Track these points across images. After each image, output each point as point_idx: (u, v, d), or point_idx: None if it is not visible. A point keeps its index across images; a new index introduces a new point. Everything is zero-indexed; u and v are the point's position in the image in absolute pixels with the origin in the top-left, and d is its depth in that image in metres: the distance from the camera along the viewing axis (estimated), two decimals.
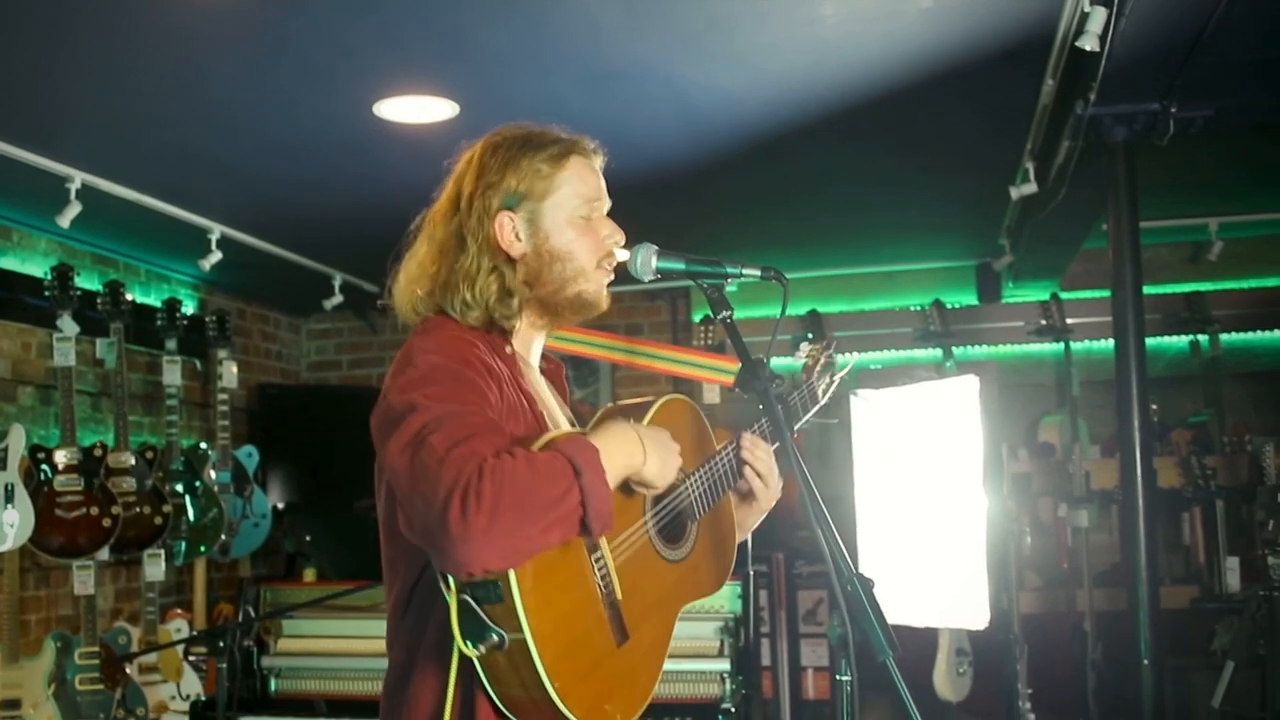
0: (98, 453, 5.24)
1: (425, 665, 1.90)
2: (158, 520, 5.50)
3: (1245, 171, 5.67)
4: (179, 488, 5.81)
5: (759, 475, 2.18)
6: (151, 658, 5.41)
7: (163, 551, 5.60)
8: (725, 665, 3.94)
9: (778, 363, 2.24)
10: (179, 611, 5.87)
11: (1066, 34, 3.68)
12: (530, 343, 2.11)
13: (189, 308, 6.36)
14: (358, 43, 3.76)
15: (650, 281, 2.10)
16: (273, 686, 4.25)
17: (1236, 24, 3.51)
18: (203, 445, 6.15)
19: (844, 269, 7.19)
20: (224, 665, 4.05)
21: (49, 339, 5.28)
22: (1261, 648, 4.47)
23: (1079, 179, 4.64)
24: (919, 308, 6.84)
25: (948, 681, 5.15)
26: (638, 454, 1.92)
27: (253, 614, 4.28)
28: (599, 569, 1.91)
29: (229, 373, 6.30)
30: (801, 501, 1.87)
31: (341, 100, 4.24)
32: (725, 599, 4.05)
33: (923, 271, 7.23)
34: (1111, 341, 4.43)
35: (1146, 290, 4.47)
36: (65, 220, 4.80)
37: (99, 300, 5.49)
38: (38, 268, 5.41)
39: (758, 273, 2.04)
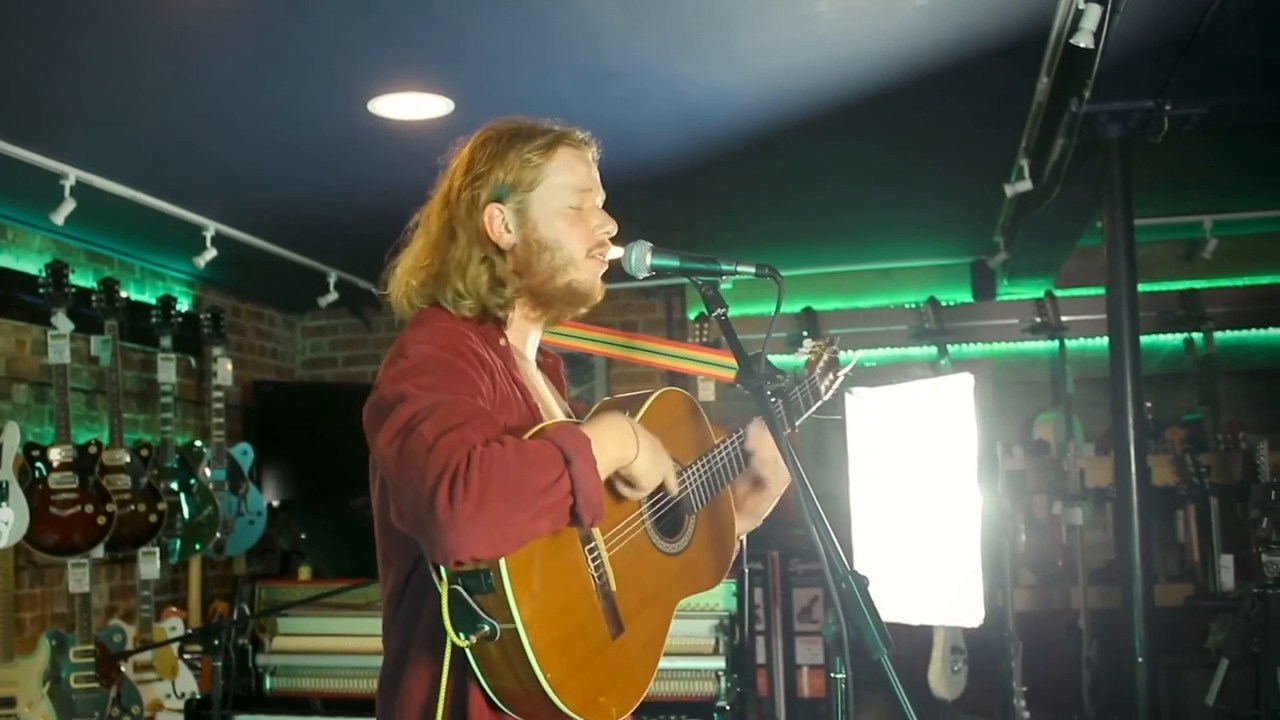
0: (92, 450, 5.23)
1: (418, 658, 1.90)
2: (152, 518, 5.49)
3: (1240, 169, 5.67)
4: (174, 485, 5.81)
5: (766, 463, 2.20)
6: (146, 656, 5.40)
7: (158, 549, 5.59)
8: (720, 663, 3.95)
9: (777, 360, 2.24)
10: (174, 609, 5.86)
11: (1061, 31, 3.68)
12: (525, 336, 2.12)
13: (184, 305, 6.35)
14: (353, 40, 3.76)
15: (645, 279, 2.10)
16: (268, 684, 4.26)
17: (1231, 22, 3.51)
18: (198, 443, 6.14)
19: (839, 266, 7.20)
20: (219, 663, 4.05)
21: (43, 336, 5.27)
22: (1256, 645, 4.48)
23: (1074, 176, 4.65)
24: (914, 305, 6.85)
25: (943, 679, 5.16)
26: (630, 446, 1.91)
27: (248, 612, 4.28)
28: (593, 560, 1.90)
29: (224, 370, 6.29)
30: (796, 499, 1.87)
31: (337, 98, 4.24)
32: (720, 597, 4.05)
33: (918, 269, 7.24)
34: (1106, 339, 4.43)
35: (1141, 288, 4.48)
36: (60, 217, 4.79)
37: (94, 297, 5.48)
38: (32, 265, 5.41)
39: (752, 270, 2.04)
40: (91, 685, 5.03)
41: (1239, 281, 6.82)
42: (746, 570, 4.11)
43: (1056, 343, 6.37)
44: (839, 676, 1.84)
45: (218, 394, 6.21)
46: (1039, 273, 6.78)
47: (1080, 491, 6.00)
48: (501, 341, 2.03)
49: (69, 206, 4.76)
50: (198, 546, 5.92)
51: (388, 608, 1.98)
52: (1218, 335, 6.67)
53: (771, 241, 6.57)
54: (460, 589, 1.74)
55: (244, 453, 6.35)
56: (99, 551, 5.22)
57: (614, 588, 1.93)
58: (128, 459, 5.43)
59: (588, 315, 2.24)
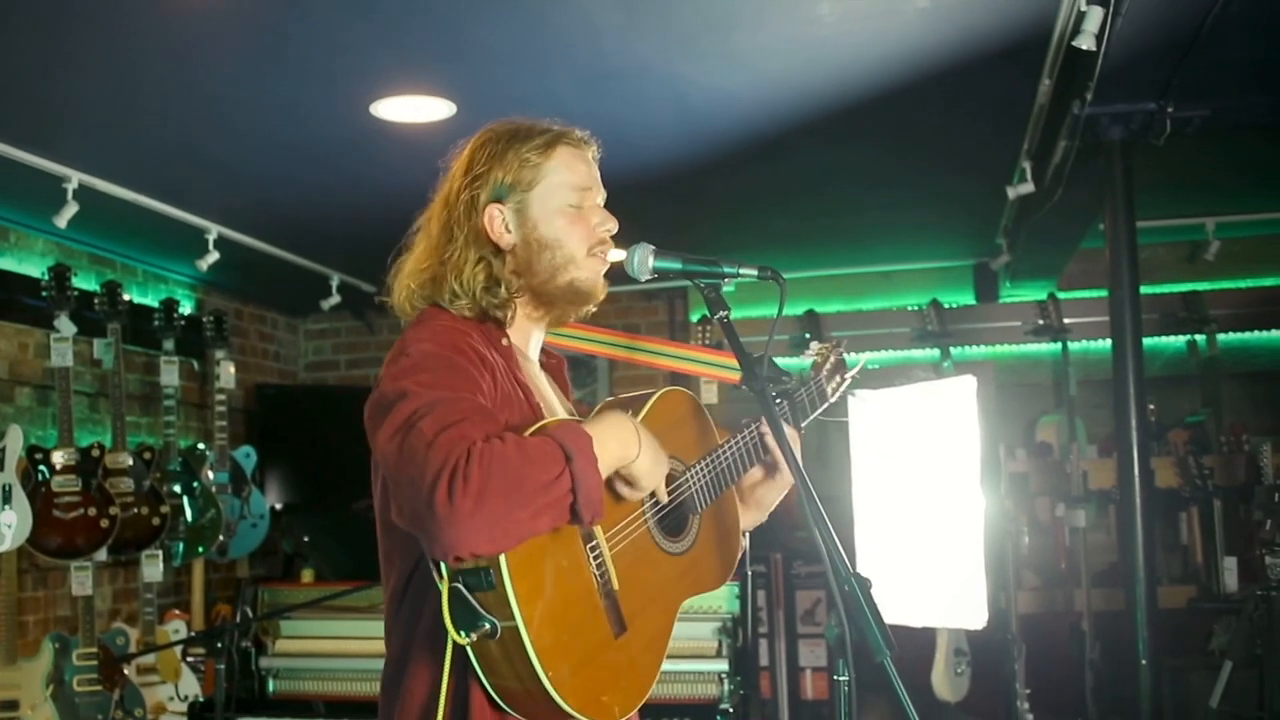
0: (95, 453, 5.23)
1: (419, 657, 1.90)
2: (155, 521, 5.49)
3: (1242, 171, 5.67)
4: (177, 488, 5.81)
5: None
6: (149, 659, 5.40)
7: (160, 552, 5.60)
8: (723, 666, 3.95)
9: (782, 363, 2.24)
10: (177, 612, 5.86)
11: (1063, 34, 3.68)
12: (528, 336, 2.11)
13: (186, 308, 6.35)
14: (355, 42, 3.76)
15: (647, 281, 2.10)
16: (270, 687, 4.26)
17: (1233, 24, 3.51)
18: (200, 446, 6.14)
19: (841, 269, 7.19)
20: (222, 666, 4.05)
21: (46, 339, 5.28)
22: (1259, 647, 4.47)
23: (1076, 179, 4.64)
24: (916, 308, 6.85)
25: (946, 681, 5.16)
26: (632, 445, 1.91)
27: (250, 615, 4.28)
28: (594, 559, 1.90)
29: (226, 373, 6.29)
30: (799, 501, 1.87)
31: (338, 100, 4.24)
32: (723, 599, 4.05)
33: (920, 271, 7.23)
34: (1109, 341, 4.43)
35: (1144, 290, 4.47)
36: (62, 220, 4.79)
37: (96, 300, 5.49)
38: (35, 268, 5.41)
39: (755, 272, 2.04)
40: (94, 688, 5.03)
41: (1241, 283, 6.82)
42: (749, 573, 4.11)
43: (1059, 345, 6.37)
44: (842, 679, 1.84)
45: (220, 397, 6.22)
46: (1041, 275, 6.77)
47: (1083, 493, 6.00)
48: (504, 341, 2.03)
49: (71, 209, 4.76)
50: (200, 549, 5.92)
51: (390, 608, 1.97)
52: (1220, 337, 6.66)
53: (773, 244, 6.57)
54: (460, 587, 1.74)
55: (247, 456, 6.35)
56: (102, 554, 5.22)
57: (616, 586, 1.92)
58: (130, 462, 5.43)
59: (590, 317, 2.24)
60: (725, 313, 2.03)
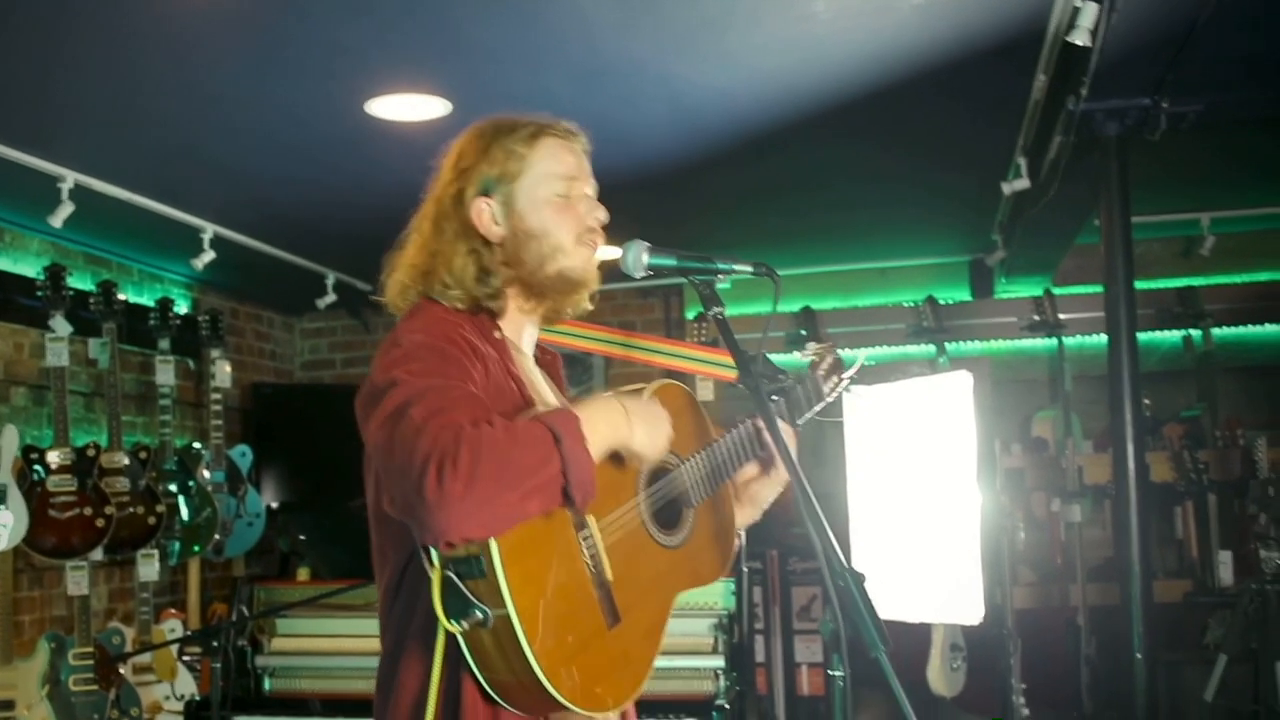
0: (91, 453, 5.23)
1: (412, 651, 1.90)
2: (151, 520, 5.49)
3: (1237, 166, 5.67)
4: (172, 487, 5.81)
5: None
6: (146, 658, 5.40)
7: (156, 551, 5.59)
8: (719, 662, 3.95)
9: (779, 361, 2.24)
10: (173, 611, 5.86)
11: (1058, 29, 3.69)
12: (521, 329, 2.12)
13: (182, 307, 6.35)
14: (350, 41, 3.76)
15: (642, 278, 2.10)
16: (267, 686, 4.26)
17: (1227, 18, 3.52)
18: (196, 445, 6.13)
19: (837, 265, 7.20)
20: (218, 665, 4.05)
21: (42, 339, 5.27)
22: (1254, 641, 4.49)
23: (1071, 174, 4.65)
24: (912, 304, 6.85)
25: (942, 677, 5.16)
26: (622, 424, 1.92)
27: (246, 613, 4.28)
28: (588, 548, 1.90)
29: (222, 372, 6.29)
30: (795, 498, 1.87)
31: (334, 99, 4.24)
32: (719, 595, 4.05)
33: (916, 268, 7.24)
34: (1104, 336, 4.44)
35: (1139, 285, 4.48)
36: (58, 220, 4.79)
37: (92, 300, 5.48)
38: (30, 268, 5.40)
39: (749, 268, 2.04)
40: (91, 687, 5.03)
41: (1237, 278, 6.83)
42: (745, 569, 4.12)
43: (1055, 340, 6.37)
44: (837, 674, 1.84)
45: (216, 396, 6.21)
46: (1037, 271, 6.78)
47: (1079, 489, 6.00)
48: (496, 334, 2.03)
49: (67, 209, 4.76)
50: (196, 548, 5.92)
51: (383, 604, 1.97)
52: (1216, 332, 6.67)
53: (769, 241, 6.58)
54: (452, 575, 1.74)
55: (243, 455, 6.34)
56: (98, 554, 5.22)
57: (610, 577, 1.92)
58: (126, 461, 5.43)
59: (586, 314, 2.25)
60: (720, 309, 2.04)
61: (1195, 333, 6.67)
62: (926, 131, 4.80)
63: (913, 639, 5.11)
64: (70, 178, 4.71)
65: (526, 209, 2.03)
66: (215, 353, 6.30)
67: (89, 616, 5.13)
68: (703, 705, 3.88)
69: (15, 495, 4.87)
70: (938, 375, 3.37)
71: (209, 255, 5.62)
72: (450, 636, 1.79)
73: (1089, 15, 3.40)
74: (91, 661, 5.06)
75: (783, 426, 2.01)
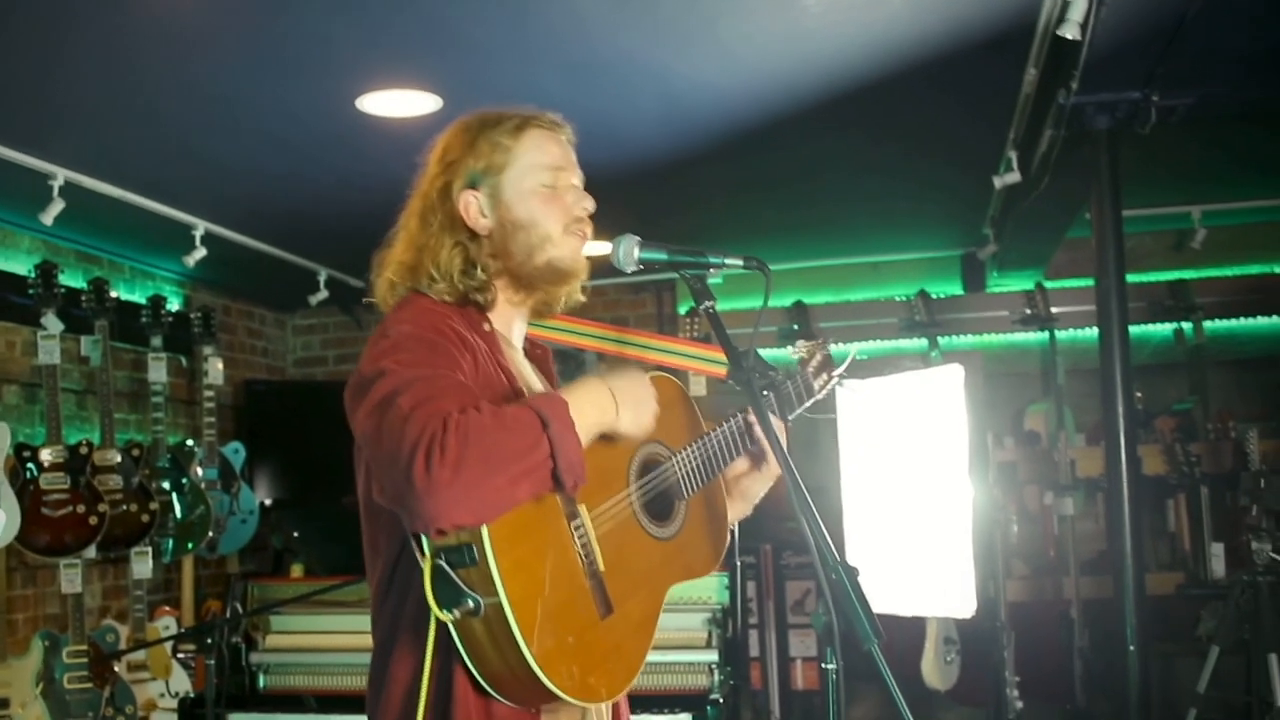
0: (83, 450, 5.23)
1: (403, 642, 1.89)
2: (144, 518, 5.49)
3: (1228, 159, 5.68)
4: (165, 485, 5.80)
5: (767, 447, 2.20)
6: (140, 655, 5.40)
7: (150, 549, 5.59)
8: (713, 656, 3.96)
9: (768, 354, 2.25)
10: (167, 609, 5.86)
11: (1048, 23, 3.69)
12: (511, 322, 2.12)
13: (174, 305, 6.34)
14: (340, 36, 3.75)
15: (633, 273, 2.10)
16: (261, 682, 4.26)
17: (1216, 12, 3.52)
18: (189, 442, 6.13)
19: (829, 260, 7.20)
20: (212, 662, 4.05)
21: (33, 337, 5.26)
22: (1246, 632, 4.50)
23: (1062, 168, 4.65)
24: (904, 298, 6.86)
25: (935, 670, 5.18)
26: (609, 407, 1.92)
27: (240, 610, 4.28)
28: (579, 538, 1.90)
29: (215, 369, 6.28)
30: (788, 492, 1.87)
31: (324, 95, 4.23)
32: (713, 590, 4.06)
33: (908, 262, 7.24)
34: (1096, 330, 4.44)
35: (1130, 279, 4.49)
36: (48, 218, 4.78)
37: (83, 298, 5.48)
38: (21, 265, 5.39)
39: (740, 262, 2.05)
40: (85, 685, 5.02)
41: (1228, 271, 6.84)
42: (739, 563, 4.12)
43: (1047, 334, 6.39)
44: (830, 667, 1.85)
45: (209, 393, 6.21)
46: (1029, 264, 6.79)
47: (1071, 482, 6.02)
48: (485, 326, 2.03)
49: (58, 207, 4.75)
50: (190, 546, 5.92)
51: (375, 598, 1.97)
52: (1207, 325, 6.68)
53: (760, 235, 6.58)
54: (443, 564, 1.73)
55: (235, 452, 6.35)
56: (91, 552, 5.22)
57: (602, 567, 1.92)
58: (119, 459, 5.42)
59: (578, 310, 2.25)
60: (711, 303, 2.04)
61: (1187, 326, 6.68)
62: (918, 125, 4.81)
63: (907, 632, 5.13)
64: (61, 175, 4.70)
65: (513, 200, 2.03)
66: (207, 350, 6.30)
67: (83, 614, 5.12)
68: (697, 700, 3.88)
69: (8, 493, 4.86)
70: (930, 369, 3.38)
71: (200, 252, 5.61)
72: (442, 628, 1.79)
73: (1079, 9, 3.41)
74: (86, 659, 5.05)
75: (773, 421, 2.01)
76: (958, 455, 3.41)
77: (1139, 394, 5.75)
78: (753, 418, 2.18)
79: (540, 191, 2.04)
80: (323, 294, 6.74)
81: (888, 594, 3.51)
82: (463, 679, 1.82)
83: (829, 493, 3.80)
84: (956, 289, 7.20)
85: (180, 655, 5.52)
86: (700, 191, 5.69)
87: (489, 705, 1.84)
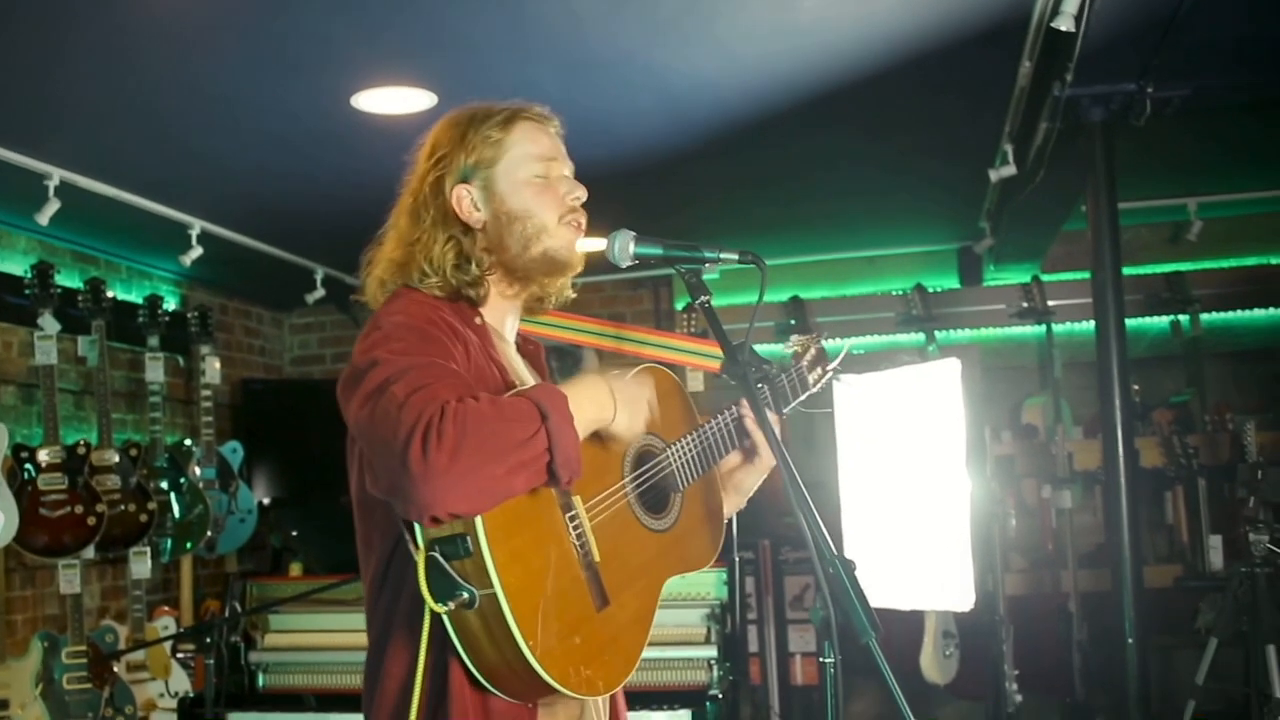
0: (81, 451, 5.22)
1: (397, 637, 1.89)
2: (143, 518, 5.49)
3: (1223, 151, 5.68)
4: (164, 485, 5.80)
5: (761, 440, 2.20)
6: (139, 655, 5.40)
7: (148, 549, 5.59)
8: (712, 652, 3.96)
9: (764, 349, 2.25)
10: (166, 609, 5.86)
11: (1042, 15, 3.69)
12: (504, 316, 2.11)
13: (171, 304, 6.33)
14: (336, 34, 3.75)
15: (628, 268, 2.10)
16: (260, 681, 4.26)
17: (1210, 3, 3.52)
18: (187, 442, 6.13)
19: (825, 254, 7.20)
20: (211, 661, 4.05)
21: (30, 337, 5.26)
22: (1244, 624, 4.51)
23: (1057, 160, 4.65)
24: (901, 292, 6.86)
25: (934, 664, 5.18)
26: (607, 405, 1.92)
27: (239, 610, 4.28)
28: (574, 529, 1.89)
29: (212, 369, 6.28)
30: (785, 486, 1.87)
31: (320, 92, 4.23)
32: (711, 586, 4.06)
33: (904, 256, 7.25)
34: (1093, 323, 4.45)
35: (1127, 271, 4.49)
36: (44, 218, 4.77)
37: (80, 298, 5.47)
38: (17, 266, 5.39)
39: (735, 257, 2.04)
40: (84, 686, 5.02)
41: (1224, 263, 6.84)
42: (737, 559, 4.12)
43: (1044, 327, 6.39)
44: (827, 661, 1.84)
45: (206, 392, 6.20)
46: (1025, 258, 6.79)
47: (1069, 475, 6.02)
48: (477, 320, 2.03)
49: (53, 206, 4.74)
50: (189, 545, 5.92)
51: (370, 594, 1.97)
52: (1204, 317, 6.69)
53: (757, 230, 6.58)
54: (437, 555, 1.72)
55: (233, 451, 6.34)
56: (89, 552, 5.21)
57: (597, 559, 1.91)
58: (117, 459, 5.42)
59: (575, 306, 2.25)
60: (706, 297, 2.04)
61: (1183, 318, 6.69)
62: (913, 119, 4.81)
63: (905, 627, 5.13)
64: (56, 175, 4.70)
65: (507, 191, 2.03)
66: (205, 349, 6.29)
67: (81, 615, 5.12)
68: (696, 695, 3.88)
69: (6, 494, 4.86)
70: (927, 363, 3.38)
71: (197, 251, 5.61)
72: (436, 623, 1.78)
73: (1073, 1, 3.41)
74: (85, 660, 5.05)
75: (768, 414, 2.01)
76: (955, 449, 3.42)
77: (1136, 386, 5.76)
78: (746, 411, 2.18)
79: (533, 182, 2.04)
80: (319, 292, 6.73)
81: (886, 588, 3.51)
82: (459, 674, 1.81)
83: (827, 487, 3.81)
84: (953, 283, 7.20)
85: (179, 655, 5.52)
86: (697, 187, 5.69)
87: (485, 700, 1.83)
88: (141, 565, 5.54)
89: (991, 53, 4.04)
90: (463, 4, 3.57)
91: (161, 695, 5.43)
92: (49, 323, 5.21)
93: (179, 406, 6.52)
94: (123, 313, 5.87)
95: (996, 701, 5.26)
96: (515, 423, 1.73)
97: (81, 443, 5.25)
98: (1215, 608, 4.85)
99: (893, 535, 3.60)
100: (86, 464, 5.23)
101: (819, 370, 2.54)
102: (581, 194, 2.08)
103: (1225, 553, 5.63)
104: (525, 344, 2.20)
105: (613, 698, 2.08)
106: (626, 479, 2.04)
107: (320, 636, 4.27)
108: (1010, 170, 4.86)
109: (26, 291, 5.21)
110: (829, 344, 2.63)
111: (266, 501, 6.73)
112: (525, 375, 2.10)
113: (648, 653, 2.00)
